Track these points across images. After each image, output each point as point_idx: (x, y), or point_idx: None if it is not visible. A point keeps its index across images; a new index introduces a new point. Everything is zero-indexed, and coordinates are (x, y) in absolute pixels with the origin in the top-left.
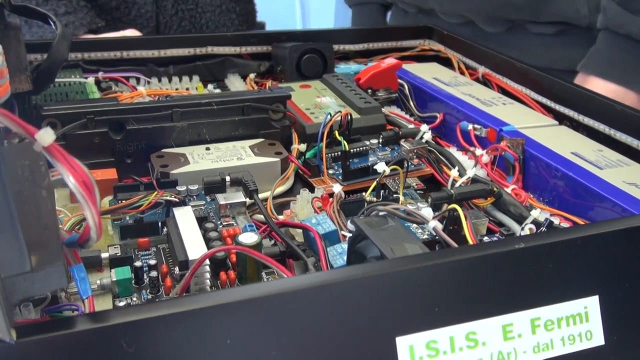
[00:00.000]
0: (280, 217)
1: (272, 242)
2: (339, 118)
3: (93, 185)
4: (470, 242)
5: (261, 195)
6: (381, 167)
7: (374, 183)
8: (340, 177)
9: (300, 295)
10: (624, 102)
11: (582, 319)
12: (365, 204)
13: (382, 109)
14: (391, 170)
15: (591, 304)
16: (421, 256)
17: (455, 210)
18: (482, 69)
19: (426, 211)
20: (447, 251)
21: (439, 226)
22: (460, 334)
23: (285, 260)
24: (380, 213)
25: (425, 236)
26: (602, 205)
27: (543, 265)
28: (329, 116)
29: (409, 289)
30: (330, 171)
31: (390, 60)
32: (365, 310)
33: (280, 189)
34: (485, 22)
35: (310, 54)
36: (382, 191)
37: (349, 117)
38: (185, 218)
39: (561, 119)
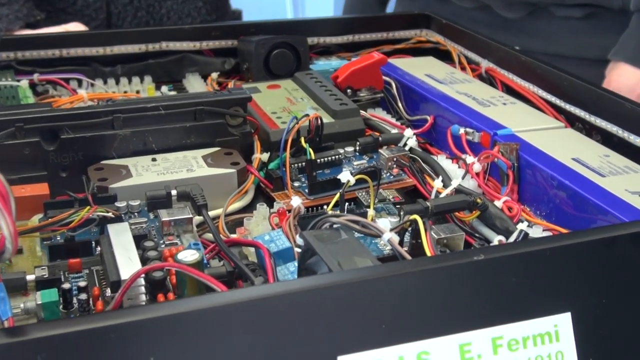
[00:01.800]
0: (233, 236)
1: (222, 262)
2: (307, 123)
3: (8, 193)
4: (429, 255)
5: (214, 212)
6: (345, 176)
7: (336, 196)
8: (306, 191)
9: (227, 311)
10: None
11: (552, 338)
12: None
13: (364, 112)
14: (359, 181)
15: (562, 322)
16: (368, 269)
17: (415, 222)
18: (485, 64)
19: (383, 223)
20: (398, 264)
21: (395, 239)
22: (410, 354)
23: (233, 281)
24: (335, 225)
25: (388, 250)
26: (602, 218)
27: (506, 279)
28: (294, 120)
29: (354, 305)
30: (296, 184)
31: (375, 55)
32: (304, 328)
33: (237, 204)
34: (503, 5)
35: (281, 48)
36: (347, 205)
37: (319, 121)
38: (120, 235)
39: (573, 120)
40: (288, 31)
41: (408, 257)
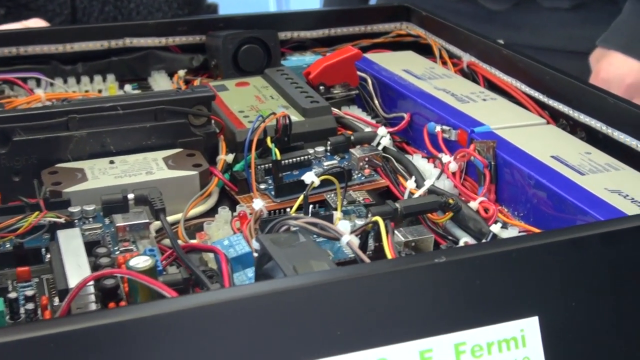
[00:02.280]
0: (193, 241)
1: (179, 269)
2: (275, 121)
3: None
4: (389, 257)
5: (175, 216)
6: (309, 178)
7: (300, 199)
8: (273, 193)
9: (174, 319)
10: None
11: (518, 343)
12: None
13: (337, 110)
14: (328, 182)
15: (529, 326)
16: (323, 273)
17: (377, 223)
18: (466, 58)
19: (343, 225)
20: (354, 268)
21: (354, 241)
22: None
23: (189, 288)
24: (293, 228)
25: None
26: (581, 218)
27: (469, 282)
28: (260, 119)
29: (308, 311)
30: (262, 186)
31: (349, 49)
32: (255, 336)
33: (200, 208)
34: None
35: (250, 44)
36: (312, 207)
37: (287, 120)
38: (70, 242)
39: (557, 116)
40: (259, 25)
41: (367, 260)
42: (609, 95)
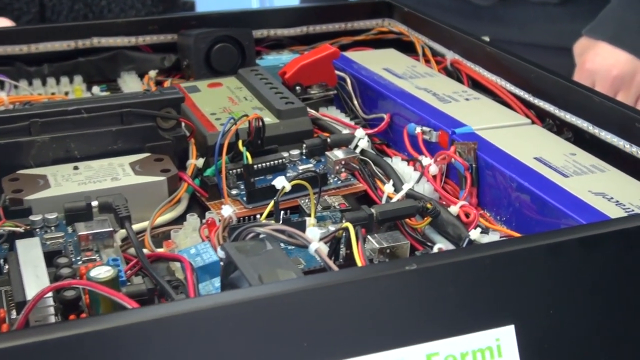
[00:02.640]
0: (160, 250)
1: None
2: (248, 124)
3: None
4: (359, 265)
5: (142, 224)
6: (280, 183)
7: (270, 204)
8: (245, 199)
9: (128, 331)
10: (635, 75)
11: (494, 353)
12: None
13: (313, 111)
14: (297, 187)
15: (505, 335)
16: (288, 283)
17: (347, 230)
18: (450, 55)
19: (311, 232)
20: (322, 276)
21: (323, 249)
22: None
23: (154, 299)
24: (261, 236)
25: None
26: (564, 222)
27: (442, 289)
28: (231, 122)
29: (272, 322)
30: (234, 191)
31: (326, 48)
32: (216, 348)
33: (168, 215)
34: None
35: (223, 43)
36: (283, 213)
37: (260, 122)
38: (29, 252)
39: (543, 116)
40: (234, 23)
41: (335, 268)
42: (594, 93)
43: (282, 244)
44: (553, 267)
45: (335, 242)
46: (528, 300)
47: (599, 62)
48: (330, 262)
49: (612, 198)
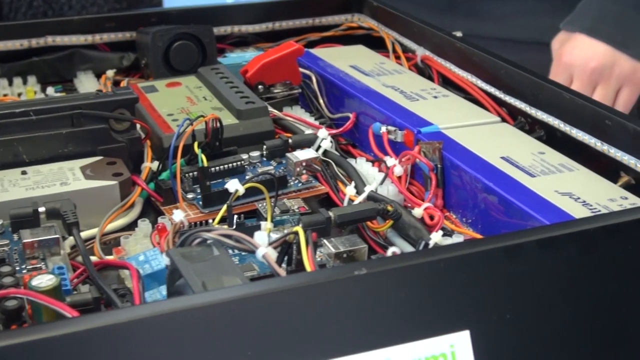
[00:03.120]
0: (109, 257)
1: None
2: (205, 125)
3: None
4: (308, 270)
5: (93, 231)
6: (233, 186)
7: (223, 209)
8: (200, 203)
9: (66, 340)
10: (613, 67)
11: (448, 359)
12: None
13: (276, 111)
14: (255, 190)
15: (459, 341)
16: (232, 289)
17: (297, 234)
18: (420, 52)
19: (259, 237)
20: (266, 282)
21: (270, 254)
22: None
23: (100, 308)
24: (208, 241)
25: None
26: (530, 224)
27: (394, 295)
28: (186, 123)
29: (215, 330)
30: (190, 195)
31: (290, 45)
32: (156, 358)
33: (121, 221)
34: None
35: (183, 40)
36: (237, 218)
37: (217, 123)
38: None
39: (515, 114)
40: (196, 20)
41: (282, 273)
42: (564, 90)
43: (235, 250)
44: (510, 270)
45: (286, 247)
46: (484, 305)
47: (576, 54)
48: (278, 268)
49: (578, 198)
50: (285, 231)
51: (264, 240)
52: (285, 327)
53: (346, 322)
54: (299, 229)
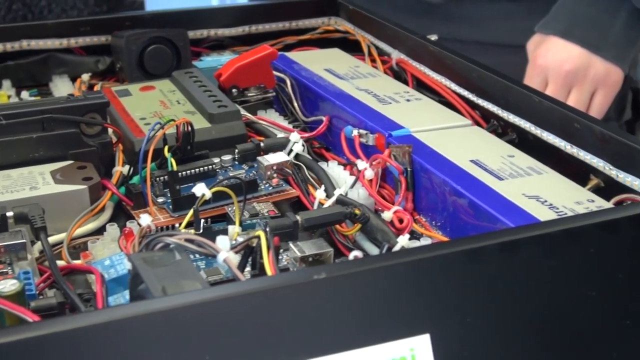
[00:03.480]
0: (77, 262)
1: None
2: (176, 129)
3: None
4: (270, 274)
5: (62, 235)
6: (199, 190)
7: (190, 213)
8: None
9: (23, 346)
10: (587, 69)
11: None
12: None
13: (249, 115)
14: (225, 194)
15: (420, 345)
16: (192, 293)
17: (259, 238)
18: (395, 55)
19: (221, 241)
20: (225, 287)
21: (232, 258)
22: None
23: (65, 313)
24: (171, 246)
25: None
26: (497, 227)
27: (353, 298)
28: (157, 127)
29: (175, 334)
30: (161, 199)
31: (264, 48)
32: None
33: (91, 225)
34: None
35: (157, 44)
36: (204, 222)
37: (189, 127)
38: None
39: (488, 117)
40: (172, 24)
41: (242, 278)
42: (534, 93)
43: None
44: (471, 274)
45: (248, 251)
46: (445, 308)
47: (550, 57)
48: (238, 272)
49: (545, 201)
50: (248, 235)
51: (226, 245)
52: (243, 331)
53: (306, 326)
54: (261, 233)
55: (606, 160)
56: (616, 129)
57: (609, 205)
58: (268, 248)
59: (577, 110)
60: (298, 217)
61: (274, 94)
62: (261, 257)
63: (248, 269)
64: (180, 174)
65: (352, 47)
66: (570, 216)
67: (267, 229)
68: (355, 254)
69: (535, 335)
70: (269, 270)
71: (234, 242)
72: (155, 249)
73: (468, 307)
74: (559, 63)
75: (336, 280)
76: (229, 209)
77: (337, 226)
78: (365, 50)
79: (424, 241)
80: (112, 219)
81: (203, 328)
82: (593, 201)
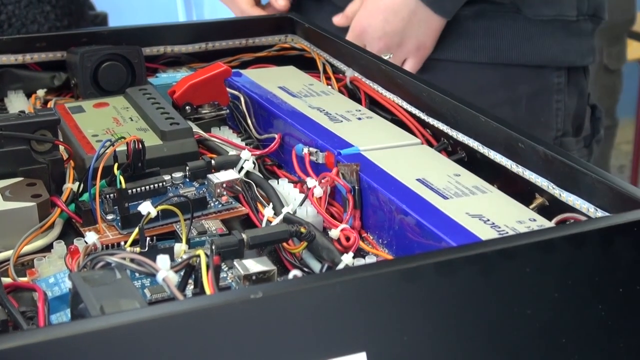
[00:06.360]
0: (22, 279)
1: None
2: (127, 146)
3: None
4: (208, 293)
5: (8, 253)
6: (145, 208)
7: (135, 231)
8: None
9: None
10: (412, 17)
11: None
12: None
13: (202, 132)
14: (171, 212)
15: None
16: (129, 313)
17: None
18: (350, 73)
19: (161, 260)
20: (161, 307)
21: (171, 277)
22: None
23: (8, 330)
24: (112, 264)
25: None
26: (440, 245)
27: (290, 317)
28: (107, 144)
29: (112, 354)
30: (110, 216)
31: (217, 66)
32: None
33: (39, 242)
34: None
35: (111, 61)
36: (149, 240)
37: (139, 144)
38: None
39: (438, 136)
40: (128, 40)
41: (180, 297)
42: (480, 113)
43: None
44: (407, 293)
45: (190, 270)
46: (382, 327)
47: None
48: (176, 292)
49: (488, 220)
50: (186, 255)
51: (166, 264)
52: (180, 350)
53: (242, 345)
54: (201, 251)
55: (550, 180)
56: (559, 149)
57: (550, 224)
58: (207, 267)
59: (520, 129)
60: (244, 235)
61: (228, 111)
62: (202, 276)
63: (191, 287)
64: (129, 191)
65: (308, 64)
66: (506, 236)
67: (213, 247)
68: (294, 273)
69: (472, 354)
70: (207, 289)
71: (179, 259)
72: (96, 267)
73: (405, 326)
74: (395, 9)
75: (273, 300)
76: (177, 226)
77: (285, 244)
78: (321, 68)
79: (370, 259)
80: (62, 236)
81: (140, 347)
82: (535, 220)
